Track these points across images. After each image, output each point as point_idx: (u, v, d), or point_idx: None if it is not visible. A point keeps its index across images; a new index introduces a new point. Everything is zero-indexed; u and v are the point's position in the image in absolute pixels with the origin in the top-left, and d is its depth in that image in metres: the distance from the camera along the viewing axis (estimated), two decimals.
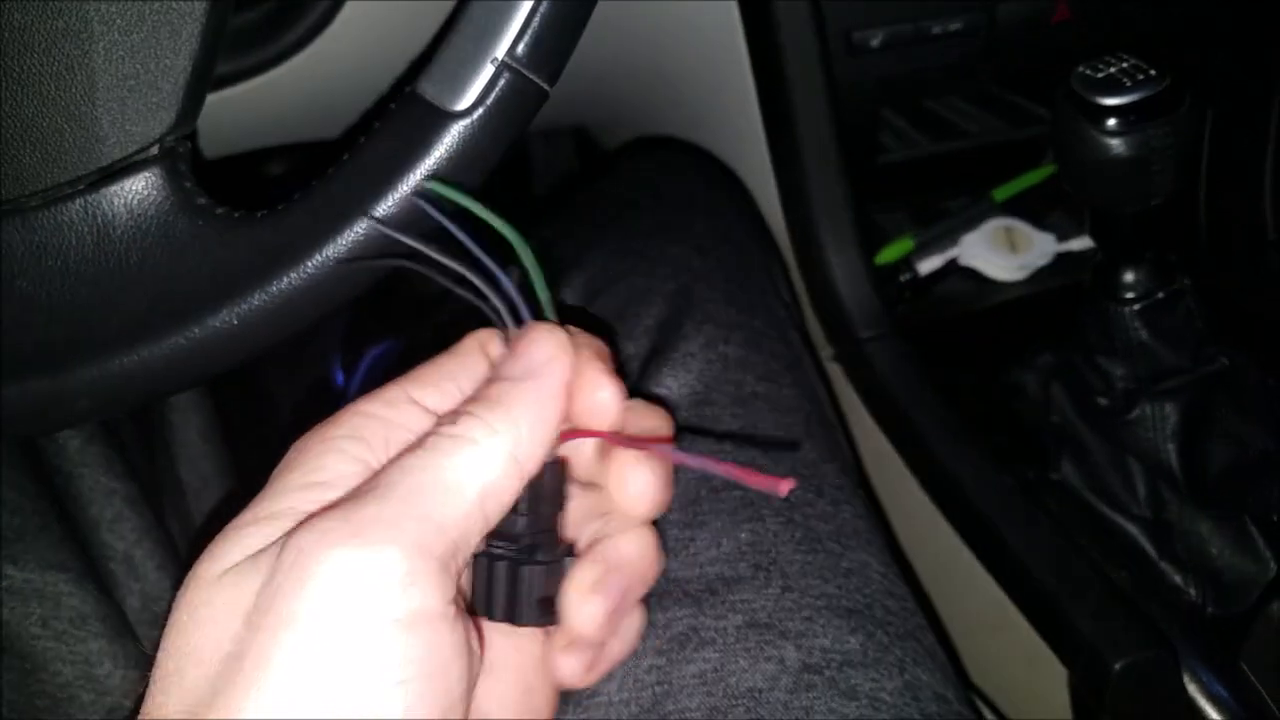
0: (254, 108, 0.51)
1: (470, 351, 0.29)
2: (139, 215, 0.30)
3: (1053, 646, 0.45)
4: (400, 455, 0.25)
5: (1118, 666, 0.41)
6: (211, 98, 0.32)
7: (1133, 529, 0.47)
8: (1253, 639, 0.42)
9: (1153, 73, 0.40)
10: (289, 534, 0.23)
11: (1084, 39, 0.60)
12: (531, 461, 0.26)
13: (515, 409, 0.26)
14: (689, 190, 0.54)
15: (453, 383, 0.28)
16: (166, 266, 0.30)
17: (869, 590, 0.39)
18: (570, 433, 0.28)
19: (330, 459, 0.25)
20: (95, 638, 0.47)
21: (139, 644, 0.50)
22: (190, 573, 0.25)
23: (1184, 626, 0.44)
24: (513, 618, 0.27)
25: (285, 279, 0.29)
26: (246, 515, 0.25)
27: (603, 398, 0.28)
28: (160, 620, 0.52)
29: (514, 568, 0.27)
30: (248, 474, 1.09)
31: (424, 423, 0.27)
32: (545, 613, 0.28)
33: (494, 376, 0.27)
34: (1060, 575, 0.45)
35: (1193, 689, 0.43)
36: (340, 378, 1.12)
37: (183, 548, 0.59)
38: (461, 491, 0.24)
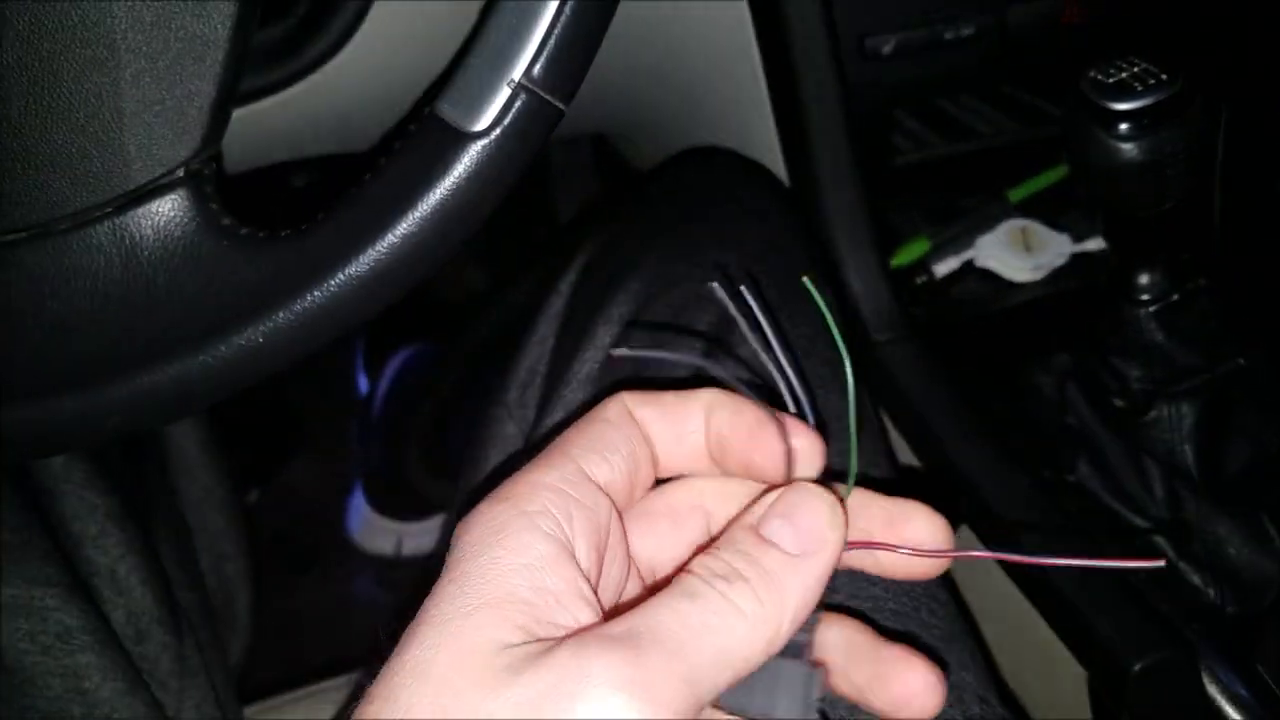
0: (276, 123, 0.52)
1: (624, 421, 0.30)
2: (166, 237, 0.31)
3: (1071, 647, 0.45)
4: (669, 596, 0.25)
5: (1137, 667, 0.41)
6: (235, 113, 0.33)
7: (1150, 529, 0.47)
8: (1268, 639, 0.42)
9: (1164, 76, 0.41)
10: (560, 645, 0.24)
11: (1097, 39, 0.60)
12: (784, 640, 0.26)
13: (787, 592, 0.26)
14: (741, 199, 0.55)
15: (617, 455, 0.29)
16: (193, 286, 0.31)
17: (915, 593, 0.40)
18: (858, 543, 0.29)
19: (532, 538, 0.26)
20: (83, 651, 0.48)
21: (127, 657, 0.50)
22: (428, 633, 0.25)
23: (1203, 626, 0.44)
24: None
25: (309, 297, 0.30)
26: (470, 592, 0.25)
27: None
28: (145, 636, 0.53)
29: (810, 672, 0.28)
30: (264, 481, 1.11)
31: (602, 503, 0.28)
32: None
33: (764, 532, 0.27)
34: (1078, 576, 0.45)
35: (1212, 689, 0.43)
36: (364, 383, 1.14)
37: (174, 561, 0.59)
38: (723, 661, 0.24)
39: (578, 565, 0.26)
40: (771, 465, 0.29)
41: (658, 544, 0.31)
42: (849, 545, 0.29)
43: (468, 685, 0.23)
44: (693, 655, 0.24)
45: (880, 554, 0.30)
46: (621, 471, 0.29)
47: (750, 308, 0.29)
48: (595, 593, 0.27)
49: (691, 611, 0.24)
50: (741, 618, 0.25)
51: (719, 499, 0.31)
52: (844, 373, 0.30)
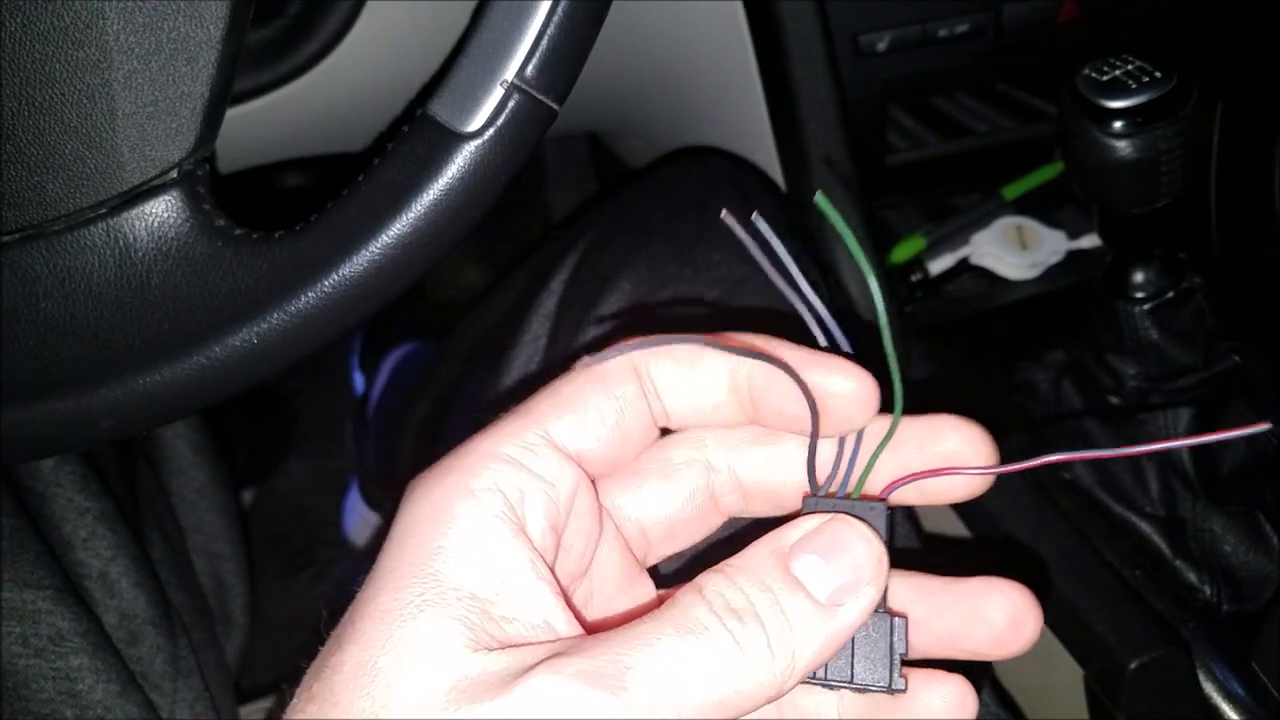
0: (270, 123, 0.52)
1: (619, 377, 0.26)
2: (159, 238, 0.31)
3: (1068, 646, 0.45)
4: (668, 626, 0.22)
5: (1133, 665, 0.41)
6: (228, 113, 0.32)
7: (1146, 527, 0.48)
8: (1264, 637, 0.42)
9: (1158, 74, 0.41)
10: (531, 674, 0.21)
11: (1093, 37, 0.60)
12: (787, 692, 0.23)
13: (803, 647, 0.22)
14: (731, 199, 0.55)
15: (595, 417, 0.26)
16: (187, 287, 0.31)
17: None
18: (899, 480, 0.26)
19: (477, 522, 0.24)
20: (75, 654, 0.48)
21: (120, 659, 0.51)
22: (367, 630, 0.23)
23: (1199, 624, 0.44)
24: (891, 681, 0.25)
25: (303, 299, 0.30)
26: (412, 585, 0.23)
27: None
28: (137, 637, 0.53)
29: (894, 623, 0.25)
30: (260, 480, 1.11)
31: (565, 474, 0.25)
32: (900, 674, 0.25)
33: (794, 567, 0.23)
34: (1074, 574, 0.45)
35: (1208, 687, 0.43)
36: (359, 382, 1.14)
37: (166, 562, 0.59)
38: (713, 704, 0.22)
39: (531, 545, 0.24)
40: (813, 416, 0.25)
41: (644, 504, 0.28)
42: (892, 485, 0.26)
43: (420, 699, 0.21)
44: (684, 700, 0.21)
45: (925, 484, 0.26)
46: (600, 437, 0.26)
47: (767, 240, 0.25)
48: (553, 569, 0.25)
49: (693, 653, 0.22)
50: (746, 666, 0.22)
51: (722, 448, 0.28)
52: (870, 294, 0.26)
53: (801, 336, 0.27)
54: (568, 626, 0.24)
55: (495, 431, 0.25)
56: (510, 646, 0.23)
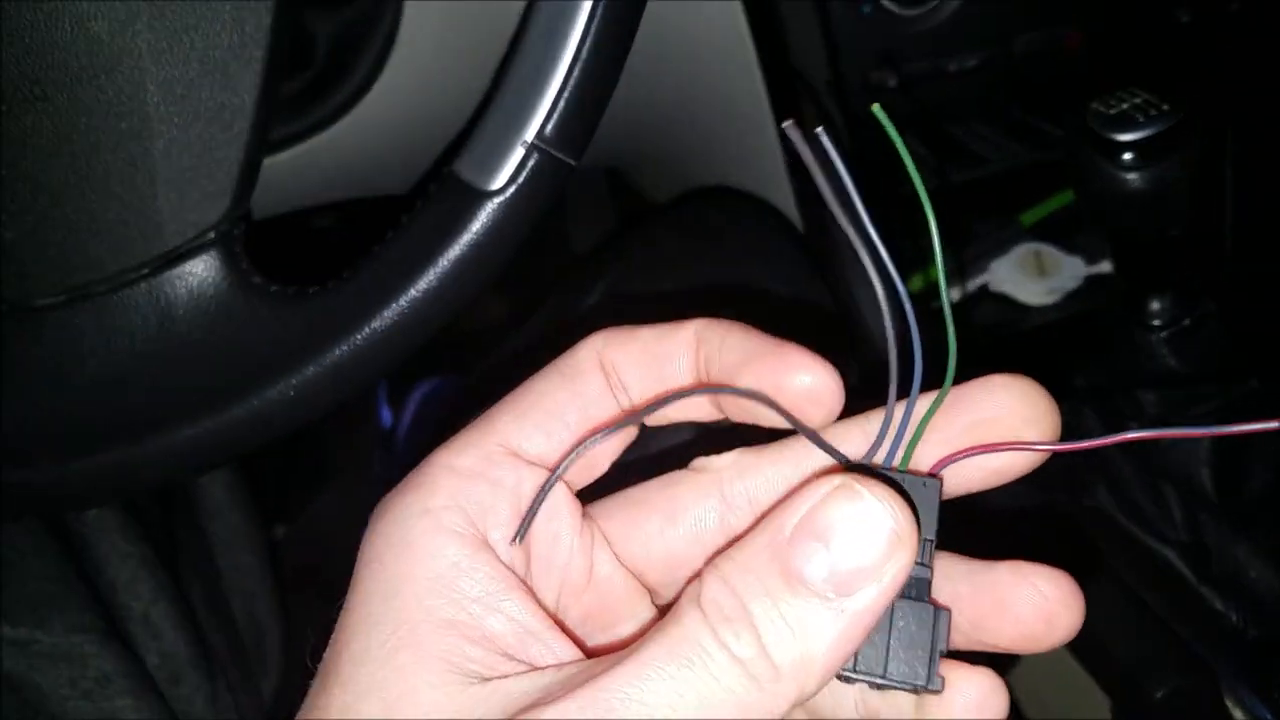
0: (299, 172, 0.54)
1: (584, 374, 0.25)
2: (199, 296, 0.32)
3: (1094, 675, 0.45)
4: (662, 649, 0.20)
5: (1159, 695, 0.41)
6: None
7: (1170, 553, 0.48)
8: None
9: (1165, 107, 0.41)
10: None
11: (1104, 64, 0.61)
12: (809, 698, 0.20)
13: (813, 651, 0.20)
14: (749, 239, 0.56)
15: (558, 422, 0.24)
16: (225, 343, 0.32)
17: None
18: (946, 459, 0.23)
19: (439, 541, 0.23)
20: (121, 695, 0.50)
21: (163, 700, 0.52)
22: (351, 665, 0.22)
23: (1225, 651, 0.44)
24: (929, 680, 0.22)
25: (337, 352, 0.31)
26: (384, 621, 0.22)
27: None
28: (178, 678, 0.54)
29: (937, 615, 0.22)
30: (290, 516, 1.12)
31: (527, 481, 0.24)
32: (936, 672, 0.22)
33: (793, 559, 0.20)
34: (1098, 603, 0.45)
35: (1236, 714, 0.43)
36: (387, 416, 1.15)
37: (204, 603, 0.61)
38: None
39: (496, 557, 0.23)
40: (768, 409, 0.22)
41: (644, 544, 0.26)
42: (942, 462, 0.23)
43: None
44: None
45: (979, 463, 0.23)
46: (564, 441, 0.25)
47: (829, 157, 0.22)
48: (528, 577, 0.24)
49: (691, 682, 0.19)
50: (752, 687, 0.19)
51: (738, 476, 0.25)
52: (926, 219, 0.23)
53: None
54: (551, 634, 0.23)
55: (453, 444, 0.24)
56: (497, 676, 0.22)
